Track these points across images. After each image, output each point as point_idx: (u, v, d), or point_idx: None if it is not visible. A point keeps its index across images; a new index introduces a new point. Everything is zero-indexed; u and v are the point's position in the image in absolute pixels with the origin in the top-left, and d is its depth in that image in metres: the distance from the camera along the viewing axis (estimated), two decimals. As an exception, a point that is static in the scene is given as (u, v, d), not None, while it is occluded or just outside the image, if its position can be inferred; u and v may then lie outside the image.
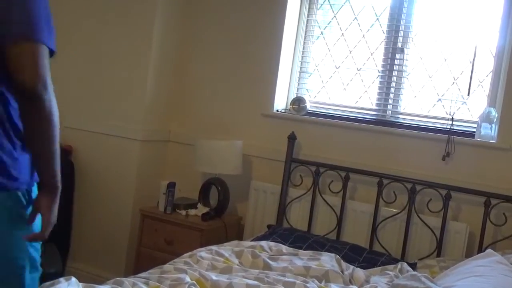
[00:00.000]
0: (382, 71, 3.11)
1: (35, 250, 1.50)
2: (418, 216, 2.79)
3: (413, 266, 2.50)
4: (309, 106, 3.24)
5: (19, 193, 1.44)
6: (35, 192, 1.50)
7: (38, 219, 1.47)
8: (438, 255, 2.71)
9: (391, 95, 3.09)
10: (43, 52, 1.40)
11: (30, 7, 1.39)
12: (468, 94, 2.86)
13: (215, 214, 3.09)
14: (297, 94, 3.34)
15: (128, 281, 1.80)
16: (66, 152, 3.66)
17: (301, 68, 3.35)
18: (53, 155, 1.46)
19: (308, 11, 3.31)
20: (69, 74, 3.42)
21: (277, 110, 3.28)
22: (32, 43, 1.39)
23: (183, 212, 3.11)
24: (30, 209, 1.46)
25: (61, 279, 1.64)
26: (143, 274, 1.95)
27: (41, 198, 1.49)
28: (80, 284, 1.68)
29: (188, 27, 3.47)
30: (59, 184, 1.50)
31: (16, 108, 1.44)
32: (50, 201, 1.48)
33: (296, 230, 2.89)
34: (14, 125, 1.45)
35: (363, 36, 3.17)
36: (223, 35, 3.40)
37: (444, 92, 2.97)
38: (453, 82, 2.95)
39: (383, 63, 3.11)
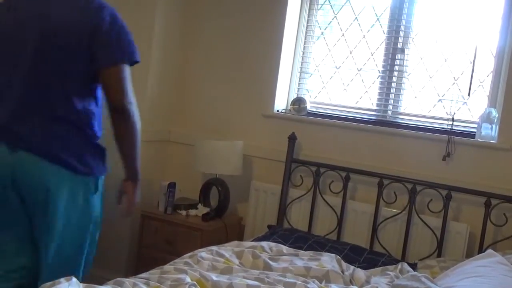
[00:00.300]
0: (383, 72, 3.11)
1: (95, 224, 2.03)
2: (419, 217, 2.79)
3: (414, 266, 2.50)
4: (309, 106, 3.25)
5: (91, 179, 1.95)
6: (101, 181, 1.99)
7: (99, 201, 2.00)
8: (439, 255, 2.71)
9: (392, 96, 3.09)
10: (127, 72, 1.88)
11: (120, 36, 1.86)
12: (469, 95, 2.86)
13: (215, 215, 3.10)
14: (297, 94, 3.35)
15: (128, 282, 1.80)
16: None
17: (301, 68, 3.35)
18: (135, 155, 2.01)
19: (309, 12, 3.32)
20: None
21: (278, 111, 3.28)
22: (120, 67, 1.86)
23: (184, 213, 3.11)
24: (96, 191, 1.97)
25: (62, 279, 1.64)
26: (143, 275, 1.95)
27: (127, 185, 2.05)
28: (81, 284, 1.68)
29: (189, 28, 3.47)
30: (139, 177, 2.05)
31: (98, 120, 1.94)
32: (133, 187, 2.05)
33: (297, 231, 2.89)
34: (93, 132, 1.95)
35: (364, 37, 3.17)
36: (224, 35, 3.40)
37: (444, 93, 2.97)
38: (454, 83, 2.95)
39: (383, 63, 3.11)
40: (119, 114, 1.91)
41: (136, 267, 3.04)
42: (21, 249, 1.96)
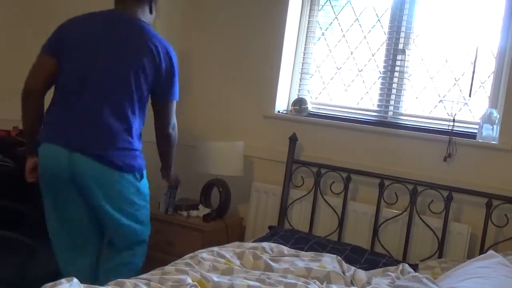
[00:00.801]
0: (384, 72, 3.11)
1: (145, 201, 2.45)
2: (420, 217, 2.78)
3: (415, 267, 2.50)
4: (310, 107, 3.25)
5: (136, 174, 2.34)
6: (144, 175, 2.41)
7: (146, 185, 2.43)
8: (440, 256, 2.71)
9: (393, 96, 3.09)
10: (174, 105, 2.46)
11: (173, 82, 2.41)
12: (470, 95, 2.85)
13: (216, 215, 3.10)
14: (298, 95, 3.35)
15: (129, 282, 1.80)
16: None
17: (302, 69, 3.35)
18: (171, 160, 2.63)
19: (310, 12, 3.32)
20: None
21: (279, 112, 3.28)
22: (170, 103, 2.44)
23: (185, 213, 3.11)
24: (141, 181, 2.38)
25: (63, 280, 1.64)
26: (144, 275, 1.95)
27: (166, 173, 2.72)
28: (82, 285, 1.68)
29: (189, 29, 3.47)
30: (172, 169, 2.70)
31: (139, 132, 2.38)
32: (170, 174, 2.72)
33: (298, 231, 2.89)
34: (137, 141, 2.36)
35: (365, 37, 3.17)
36: (225, 36, 3.40)
37: (445, 93, 2.97)
38: (455, 83, 2.95)
39: (384, 64, 3.11)
40: (163, 138, 2.50)
41: (137, 268, 3.03)
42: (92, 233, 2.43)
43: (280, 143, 3.15)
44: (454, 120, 2.85)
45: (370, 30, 3.16)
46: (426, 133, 2.91)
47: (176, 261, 2.17)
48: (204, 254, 2.22)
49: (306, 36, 3.33)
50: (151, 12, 2.49)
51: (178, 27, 3.42)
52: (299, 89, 3.36)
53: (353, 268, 2.31)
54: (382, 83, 3.12)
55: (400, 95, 3.08)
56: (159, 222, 3.09)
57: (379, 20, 3.14)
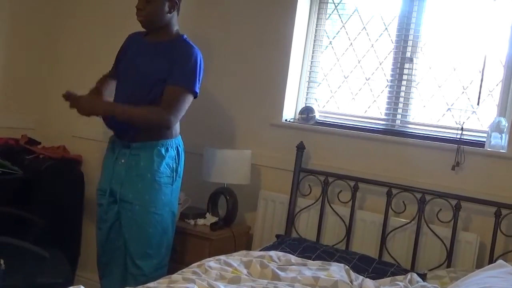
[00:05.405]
0: (391, 81, 3.11)
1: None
2: (428, 226, 2.77)
3: (423, 276, 2.48)
4: (317, 115, 3.24)
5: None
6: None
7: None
8: (448, 265, 2.69)
9: (400, 105, 3.09)
10: (184, 93, 2.66)
11: (186, 68, 2.65)
12: (478, 104, 2.84)
13: (223, 224, 3.09)
14: (305, 103, 3.35)
15: (136, 291, 1.80)
16: (76, 162, 3.69)
17: (309, 77, 3.35)
18: (124, 111, 2.64)
19: (317, 21, 3.32)
20: (79, 83, 3.44)
21: (286, 120, 3.28)
22: (177, 87, 2.65)
23: (192, 222, 3.11)
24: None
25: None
26: (151, 284, 1.95)
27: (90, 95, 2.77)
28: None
29: (197, 37, 3.48)
30: (107, 112, 2.68)
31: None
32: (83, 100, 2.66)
33: (305, 240, 2.88)
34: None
35: (372, 46, 3.17)
36: (232, 45, 3.41)
37: (453, 102, 2.96)
38: (463, 92, 2.94)
39: (392, 72, 3.11)
40: (160, 119, 2.65)
41: (144, 276, 3.03)
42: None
43: (288, 152, 3.15)
44: (462, 129, 2.83)
45: (377, 39, 3.16)
46: (434, 142, 2.90)
47: (183, 270, 2.17)
48: (211, 262, 2.22)
49: (314, 44, 3.34)
50: None
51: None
52: (306, 98, 3.36)
53: (361, 277, 2.30)
54: (389, 92, 3.12)
55: (407, 104, 3.07)
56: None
57: (386, 28, 3.14)
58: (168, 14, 2.72)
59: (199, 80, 2.72)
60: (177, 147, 2.77)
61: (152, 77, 2.66)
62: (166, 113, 2.62)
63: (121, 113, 2.62)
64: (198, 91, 2.73)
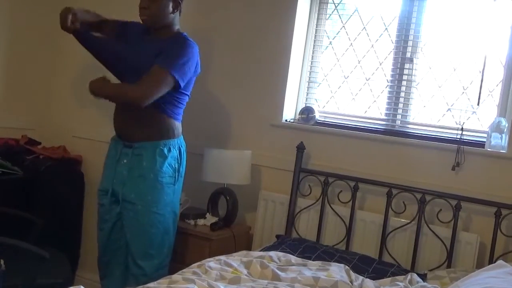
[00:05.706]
0: (391, 81, 3.11)
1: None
2: (428, 227, 2.77)
3: (423, 277, 2.48)
4: (318, 116, 3.24)
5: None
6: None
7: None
8: (449, 266, 2.69)
9: (400, 105, 3.09)
10: (163, 75, 2.57)
11: (174, 53, 2.63)
12: (478, 104, 2.84)
13: (223, 224, 3.09)
14: (305, 104, 3.35)
15: (136, 291, 1.80)
16: (76, 162, 3.68)
17: (309, 78, 3.35)
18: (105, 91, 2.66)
19: (317, 21, 3.32)
20: (76, 84, 3.45)
21: (286, 120, 3.28)
22: (158, 68, 2.57)
23: (192, 222, 3.11)
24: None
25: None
26: (151, 284, 1.95)
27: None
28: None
29: (197, 37, 3.48)
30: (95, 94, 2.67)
31: (172, 109, 2.74)
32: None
33: (305, 240, 2.88)
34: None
35: (372, 46, 3.17)
36: (231, 45, 3.41)
37: (453, 102, 2.96)
38: (463, 92, 2.94)
39: (392, 72, 3.11)
40: (133, 97, 2.59)
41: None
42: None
43: (288, 152, 3.15)
44: (462, 129, 2.83)
45: (377, 39, 3.16)
46: (434, 142, 2.90)
47: (183, 270, 2.17)
48: (211, 263, 2.22)
49: (314, 44, 3.34)
50: None
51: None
52: (306, 98, 3.36)
53: (361, 277, 2.30)
54: (389, 92, 3.12)
55: (408, 104, 3.07)
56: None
57: (386, 28, 3.14)
58: (171, 14, 2.73)
59: (187, 70, 2.66)
60: (179, 147, 2.77)
61: None
62: (139, 90, 2.56)
63: (99, 91, 2.64)
64: (182, 82, 2.64)
